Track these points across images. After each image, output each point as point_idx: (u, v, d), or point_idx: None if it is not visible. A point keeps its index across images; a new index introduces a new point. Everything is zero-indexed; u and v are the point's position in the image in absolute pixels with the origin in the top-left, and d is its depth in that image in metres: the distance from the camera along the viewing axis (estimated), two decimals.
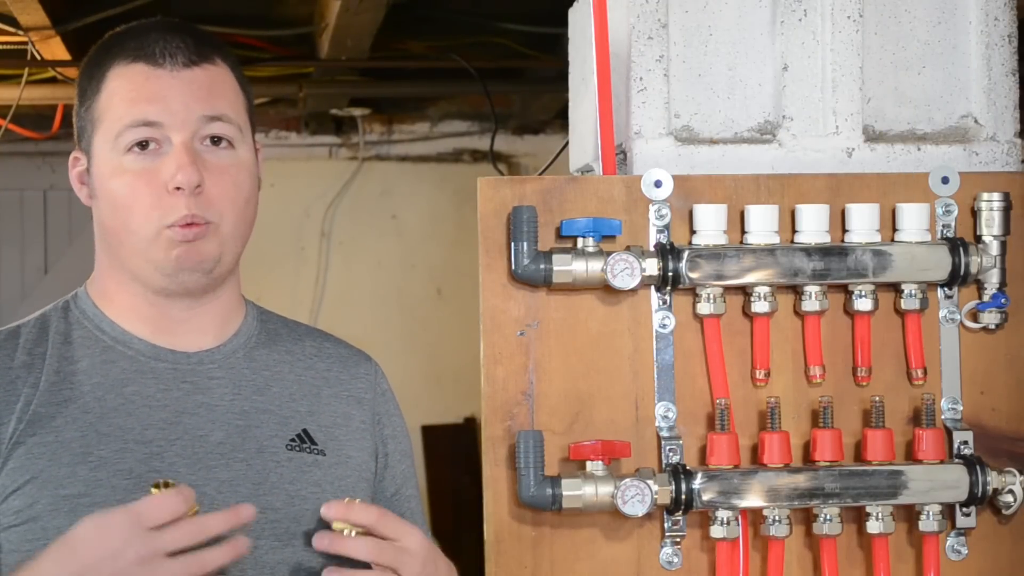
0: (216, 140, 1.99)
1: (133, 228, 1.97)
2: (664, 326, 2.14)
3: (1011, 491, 2.12)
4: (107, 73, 2.00)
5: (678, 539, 2.13)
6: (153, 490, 1.81)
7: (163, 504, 1.79)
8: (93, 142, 2.00)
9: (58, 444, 1.92)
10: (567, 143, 2.47)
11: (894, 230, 2.16)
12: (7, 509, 1.91)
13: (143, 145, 1.96)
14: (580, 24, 2.34)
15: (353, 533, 1.89)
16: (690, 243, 2.13)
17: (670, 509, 2.10)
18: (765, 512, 2.11)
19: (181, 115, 1.97)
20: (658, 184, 2.14)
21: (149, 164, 1.96)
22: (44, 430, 1.93)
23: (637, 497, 2.06)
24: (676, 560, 2.13)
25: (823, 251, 2.12)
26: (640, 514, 2.07)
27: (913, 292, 2.14)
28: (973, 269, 2.13)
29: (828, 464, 2.11)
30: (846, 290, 2.15)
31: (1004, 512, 2.15)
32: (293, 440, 2.03)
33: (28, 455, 1.91)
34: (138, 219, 1.96)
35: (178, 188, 1.94)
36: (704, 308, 2.13)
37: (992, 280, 2.15)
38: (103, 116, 1.99)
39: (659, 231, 2.14)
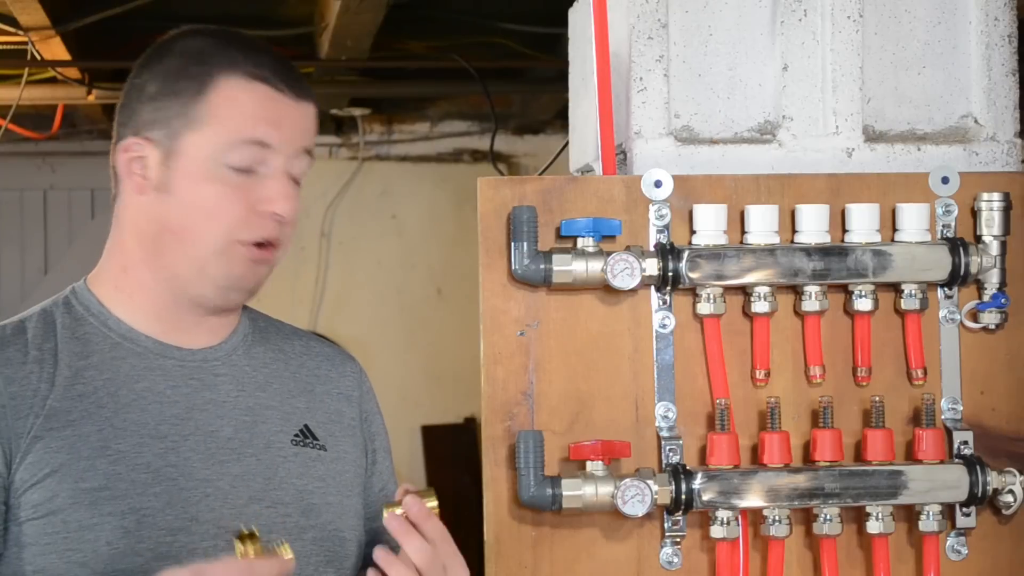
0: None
1: (204, 235, 1.98)
2: (664, 326, 2.14)
3: (1011, 491, 2.12)
4: (216, 79, 1.99)
5: (678, 539, 2.13)
6: (237, 543, 1.81)
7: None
8: (184, 139, 1.99)
9: (76, 438, 1.94)
10: (567, 143, 2.47)
11: (894, 230, 2.16)
12: (26, 502, 1.92)
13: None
14: (580, 24, 2.34)
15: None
16: (690, 243, 2.13)
17: (670, 509, 2.10)
18: (765, 512, 2.11)
19: (289, 143, 2.01)
20: (658, 184, 2.14)
21: (244, 180, 1.99)
22: (61, 424, 1.94)
23: (637, 497, 2.06)
24: (676, 560, 2.13)
25: (823, 251, 2.12)
26: (640, 514, 2.07)
27: (913, 292, 2.14)
28: (973, 269, 2.13)
29: (828, 464, 2.11)
30: (846, 290, 2.15)
31: (1004, 512, 2.15)
32: (297, 435, 2.06)
33: (47, 449, 1.92)
34: (217, 229, 1.98)
35: (274, 214, 1.99)
36: (704, 308, 2.13)
37: (992, 280, 2.15)
38: (209, 120, 1.98)
39: (659, 231, 2.14)
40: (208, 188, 1.98)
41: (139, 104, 2.03)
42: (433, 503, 1.91)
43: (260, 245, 2.00)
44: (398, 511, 1.89)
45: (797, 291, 2.15)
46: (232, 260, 1.99)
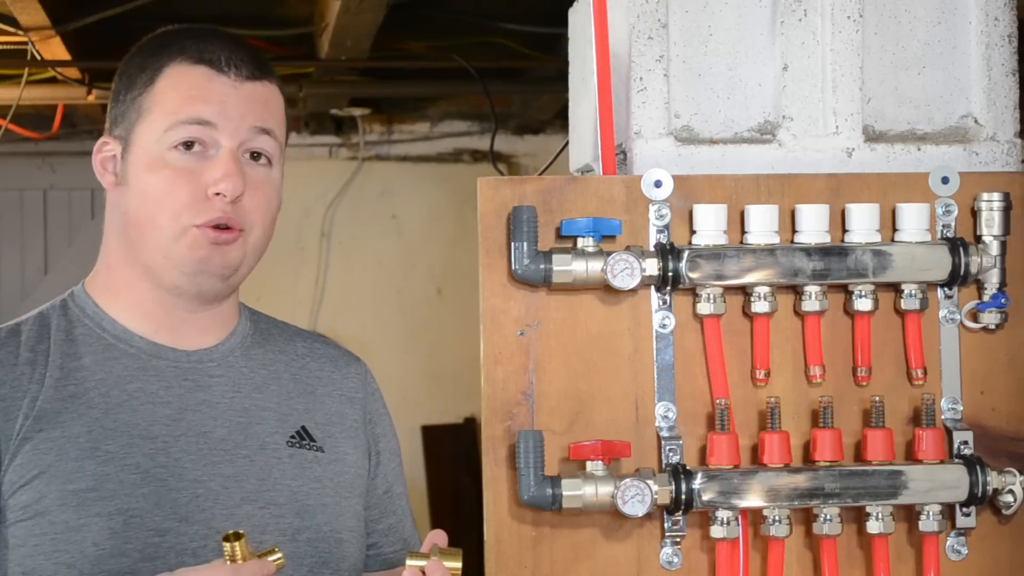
0: (256, 155, 2.02)
1: (159, 223, 1.98)
2: (664, 326, 2.14)
3: (1011, 491, 2.12)
4: (165, 68, 2.01)
5: (678, 539, 2.12)
6: (225, 544, 1.81)
7: None
8: (136, 130, 2.01)
9: (65, 439, 1.93)
10: (567, 143, 2.47)
11: (894, 230, 2.16)
12: (14, 504, 1.92)
13: (188, 145, 1.98)
14: (580, 24, 2.34)
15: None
16: (690, 243, 2.13)
17: (670, 509, 2.09)
18: (765, 512, 2.11)
19: (235, 121, 2.00)
20: (658, 184, 2.14)
21: (192, 164, 1.98)
22: (50, 426, 1.94)
23: (637, 497, 2.06)
24: (676, 560, 2.13)
25: (823, 251, 2.12)
26: (640, 514, 2.07)
27: (913, 292, 2.14)
28: (973, 269, 2.13)
29: (828, 464, 2.11)
30: (846, 290, 2.15)
31: (1004, 512, 2.14)
32: (293, 437, 2.05)
33: (35, 451, 1.92)
34: (168, 214, 1.97)
35: (218, 194, 1.97)
36: (704, 308, 2.13)
37: (992, 280, 2.15)
38: (154, 107, 2.00)
39: (659, 231, 2.14)
40: (155, 175, 1.99)
41: (111, 104, 2.06)
42: (456, 565, 1.91)
43: (220, 227, 1.99)
44: (420, 563, 1.90)
45: (797, 291, 2.15)
46: (191, 244, 1.98)
